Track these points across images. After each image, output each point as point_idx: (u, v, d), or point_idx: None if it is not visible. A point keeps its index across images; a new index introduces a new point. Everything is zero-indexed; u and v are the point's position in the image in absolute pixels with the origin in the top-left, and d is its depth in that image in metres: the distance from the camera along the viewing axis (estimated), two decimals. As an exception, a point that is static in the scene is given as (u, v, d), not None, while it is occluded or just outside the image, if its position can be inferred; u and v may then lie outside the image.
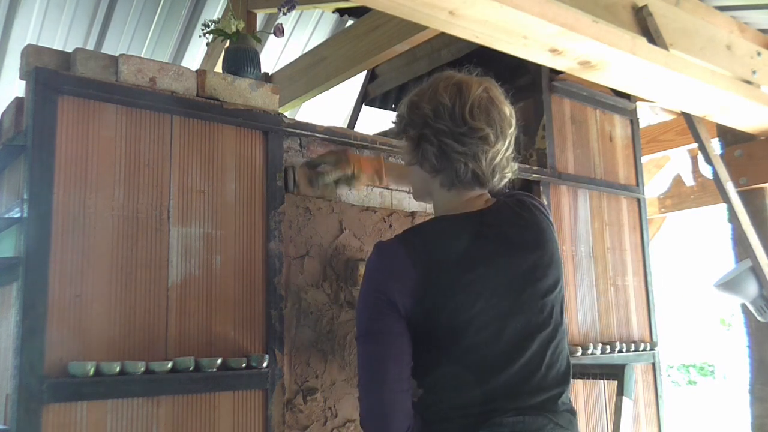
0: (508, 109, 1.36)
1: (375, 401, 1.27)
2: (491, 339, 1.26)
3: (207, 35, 2.09)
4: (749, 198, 2.56)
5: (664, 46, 2.03)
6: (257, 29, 3.41)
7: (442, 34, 1.93)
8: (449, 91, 1.31)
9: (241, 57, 1.97)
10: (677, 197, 4.43)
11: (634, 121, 2.95)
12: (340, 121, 4.36)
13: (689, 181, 4.34)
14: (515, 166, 1.41)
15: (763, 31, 2.67)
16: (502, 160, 1.34)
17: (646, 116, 3.84)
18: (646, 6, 2.09)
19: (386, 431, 1.25)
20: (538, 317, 1.30)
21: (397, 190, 2.10)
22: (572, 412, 1.33)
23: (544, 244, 1.35)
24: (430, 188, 1.41)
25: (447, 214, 1.38)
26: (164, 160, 1.63)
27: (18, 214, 1.54)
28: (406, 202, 2.12)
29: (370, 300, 1.30)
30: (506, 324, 1.27)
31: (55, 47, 1.84)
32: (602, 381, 2.45)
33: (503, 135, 1.32)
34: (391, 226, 2.05)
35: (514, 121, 1.36)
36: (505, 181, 1.39)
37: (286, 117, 1.85)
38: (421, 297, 1.25)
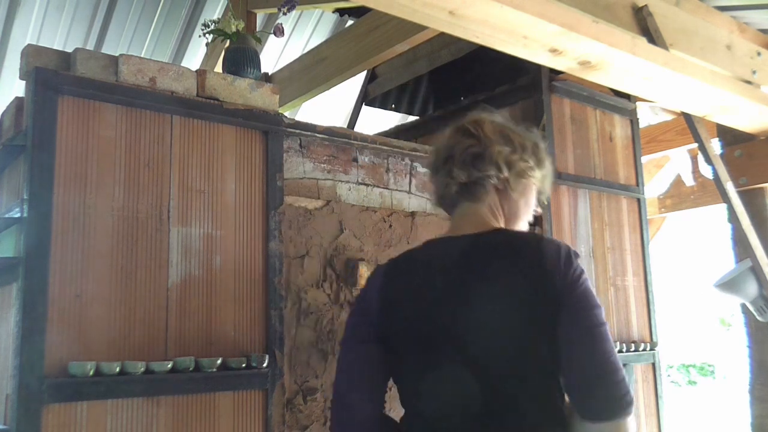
0: (466, 127, 1.36)
1: (339, 402, 1.32)
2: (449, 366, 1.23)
3: (207, 35, 2.10)
4: (749, 198, 2.55)
5: (664, 46, 2.03)
6: (257, 29, 3.41)
7: (442, 34, 1.92)
8: None
9: (241, 57, 1.98)
10: (677, 197, 4.42)
11: (634, 121, 2.95)
12: (340, 121, 4.35)
13: (689, 181, 4.33)
14: (503, 169, 1.31)
15: (763, 31, 2.67)
16: (464, 158, 1.32)
17: (646, 116, 3.84)
18: (646, 6, 2.09)
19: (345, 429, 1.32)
20: (489, 355, 1.21)
21: (396, 190, 2.10)
22: None
23: (499, 294, 1.22)
24: None
25: (437, 237, 1.38)
26: (164, 160, 1.63)
27: (18, 214, 1.54)
28: (406, 202, 2.12)
29: (352, 311, 1.40)
30: (461, 353, 1.22)
31: (55, 47, 1.84)
32: (602, 381, 2.45)
33: (450, 154, 1.34)
34: (391, 226, 2.05)
35: (481, 130, 1.34)
36: (494, 181, 1.31)
37: (286, 117, 1.86)
38: (382, 317, 1.30)
